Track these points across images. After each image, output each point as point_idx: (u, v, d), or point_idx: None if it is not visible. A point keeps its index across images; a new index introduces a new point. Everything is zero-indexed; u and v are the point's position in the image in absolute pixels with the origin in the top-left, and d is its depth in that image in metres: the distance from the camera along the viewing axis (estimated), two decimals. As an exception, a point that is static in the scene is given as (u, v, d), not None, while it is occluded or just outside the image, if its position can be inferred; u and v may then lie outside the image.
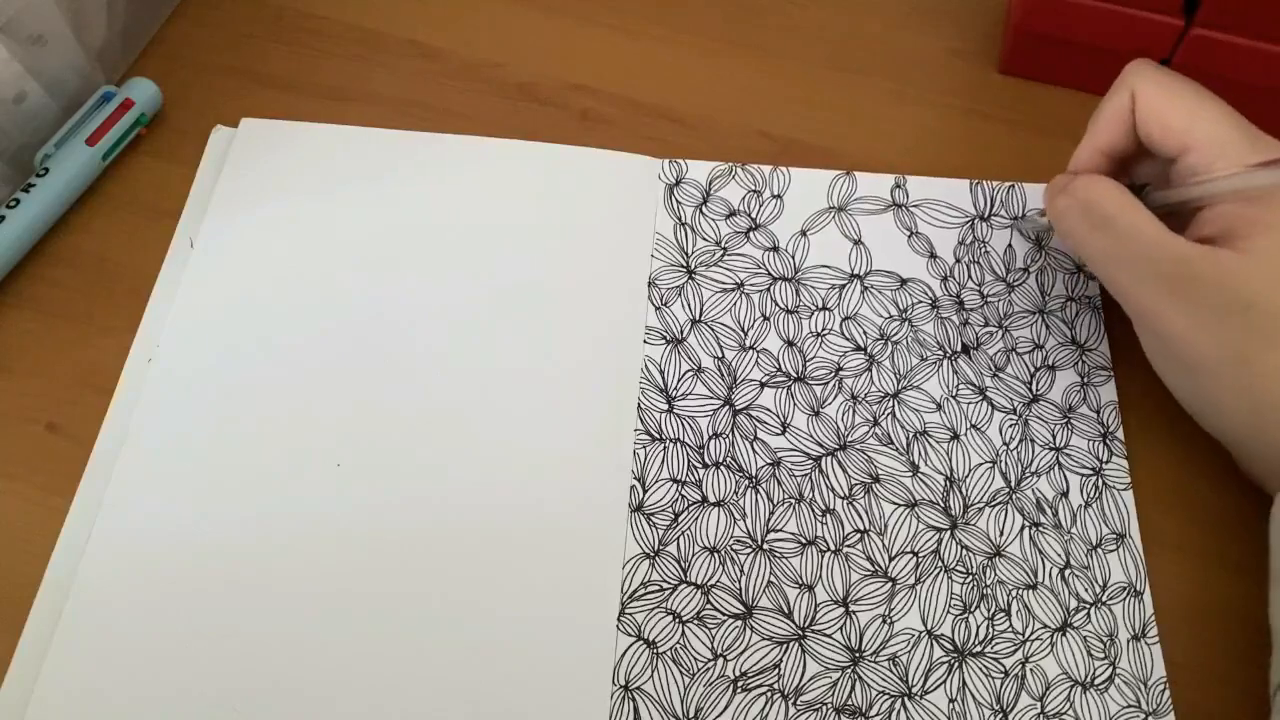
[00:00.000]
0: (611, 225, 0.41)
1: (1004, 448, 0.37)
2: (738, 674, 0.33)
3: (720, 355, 0.38)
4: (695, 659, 0.33)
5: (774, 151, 0.44)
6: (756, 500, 0.36)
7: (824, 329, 0.39)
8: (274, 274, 0.39)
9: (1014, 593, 0.35)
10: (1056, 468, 0.37)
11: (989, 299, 0.40)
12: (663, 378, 0.38)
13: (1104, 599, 0.34)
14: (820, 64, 0.46)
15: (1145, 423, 0.38)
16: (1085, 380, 0.38)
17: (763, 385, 0.38)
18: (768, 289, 0.40)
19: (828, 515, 0.36)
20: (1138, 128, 0.35)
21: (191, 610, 0.33)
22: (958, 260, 0.41)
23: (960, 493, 0.36)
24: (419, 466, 0.36)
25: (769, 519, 0.35)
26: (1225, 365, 0.32)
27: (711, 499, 0.36)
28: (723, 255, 0.41)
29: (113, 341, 0.38)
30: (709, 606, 0.34)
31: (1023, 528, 0.36)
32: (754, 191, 0.42)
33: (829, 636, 0.34)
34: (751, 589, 0.34)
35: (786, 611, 0.34)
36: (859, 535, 0.35)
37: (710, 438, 0.37)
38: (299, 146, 0.42)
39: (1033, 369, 0.39)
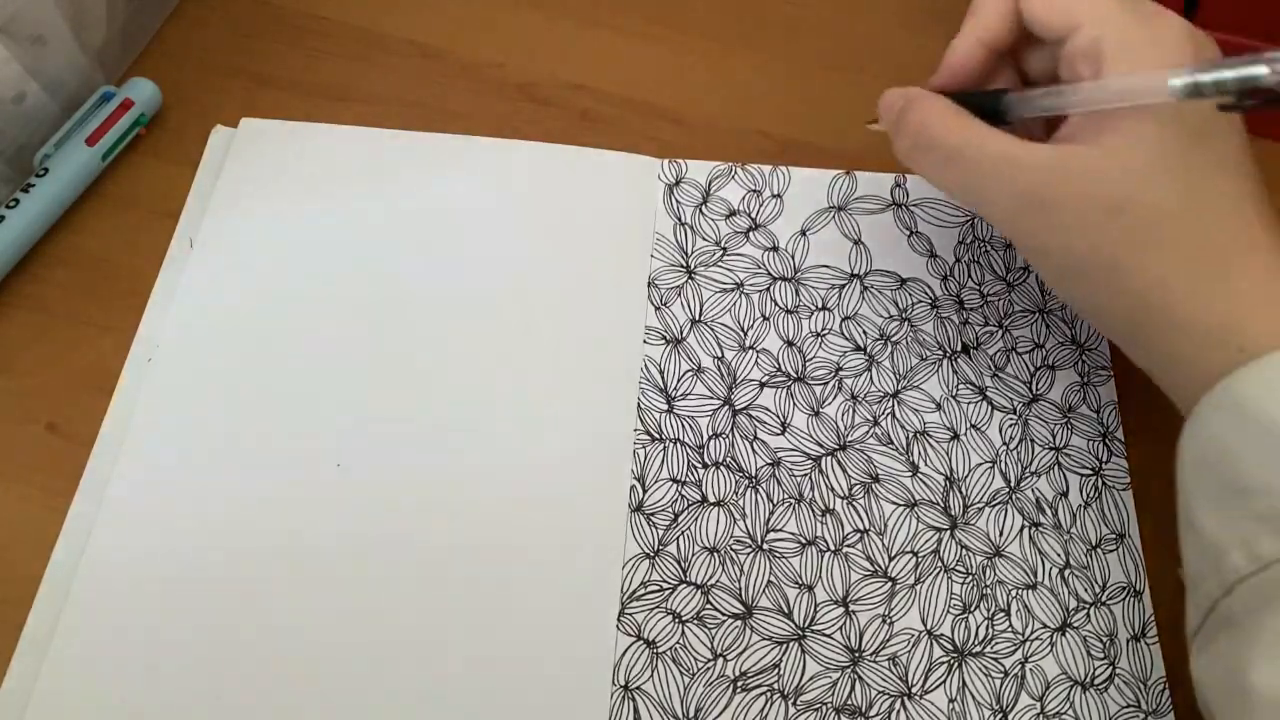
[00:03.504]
0: (611, 225, 0.41)
1: (1004, 448, 0.37)
2: (738, 674, 0.33)
3: (720, 355, 0.38)
4: (695, 659, 0.33)
5: (774, 151, 0.44)
6: (756, 500, 0.36)
7: (824, 329, 0.39)
8: (274, 274, 0.39)
9: (1014, 592, 0.35)
10: (1056, 468, 0.37)
11: (989, 298, 0.40)
12: (662, 378, 0.38)
13: (1104, 599, 0.35)
14: (820, 64, 0.46)
15: (1145, 423, 0.38)
16: (1085, 380, 0.38)
17: (762, 385, 0.38)
18: (767, 289, 0.40)
19: (828, 515, 0.36)
20: (1022, 9, 0.33)
21: (191, 610, 0.33)
22: (958, 259, 0.41)
23: (960, 492, 0.36)
24: (419, 466, 0.36)
25: (769, 519, 0.35)
26: (1098, 271, 0.31)
27: (711, 499, 0.36)
28: (722, 255, 0.41)
29: (113, 341, 0.38)
30: (709, 606, 0.34)
31: (1022, 528, 0.36)
32: (754, 191, 0.42)
33: (829, 636, 0.34)
34: (751, 589, 0.34)
35: (786, 611, 0.34)
36: (859, 535, 0.35)
37: (710, 438, 0.37)
38: (299, 146, 0.42)
39: (1033, 369, 0.39)
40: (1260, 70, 0.24)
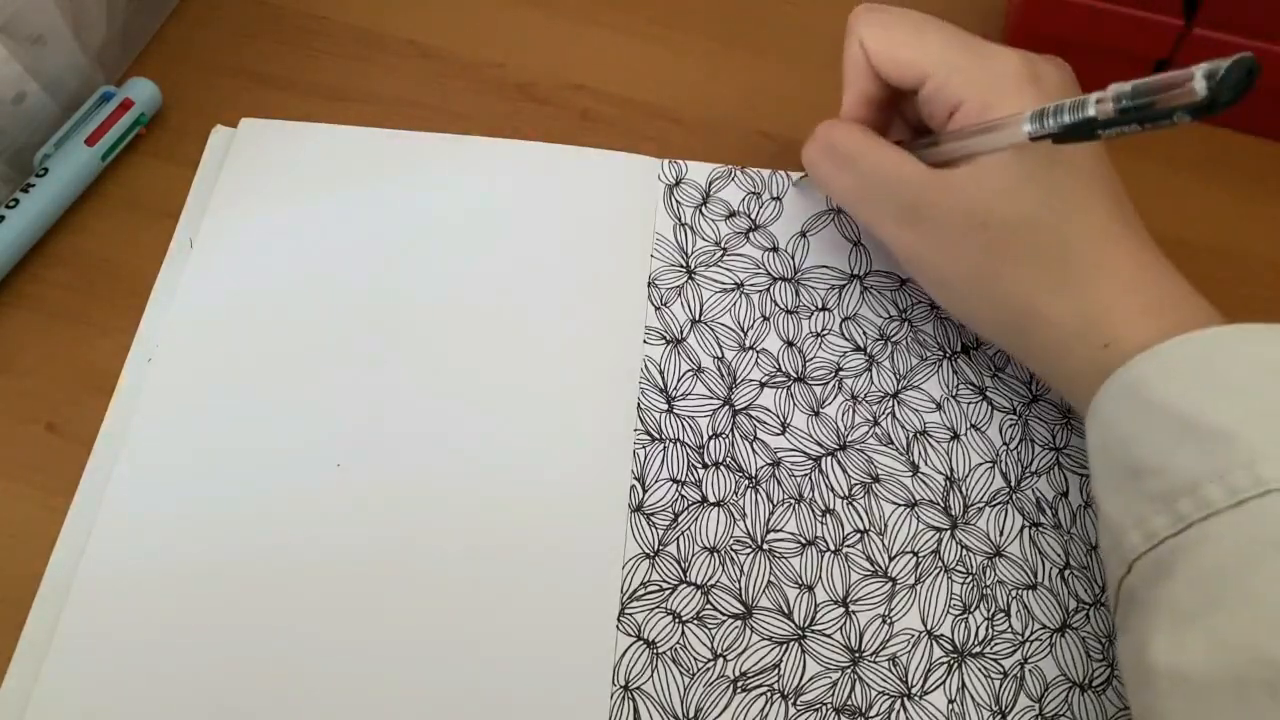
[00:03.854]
0: (611, 225, 0.41)
1: (1004, 448, 0.37)
2: (738, 674, 0.33)
3: (720, 355, 0.38)
4: (695, 659, 0.33)
5: (774, 152, 0.44)
6: (756, 500, 0.36)
7: (824, 329, 0.39)
8: (274, 274, 0.39)
9: (1014, 593, 0.35)
10: (1056, 468, 0.37)
11: (989, 299, 0.40)
12: (662, 378, 0.38)
13: (1103, 599, 0.34)
14: (820, 64, 0.46)
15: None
16: (1085, 380, 0.38)
17: (762, 385, 0.38)
18: (767, 289, 0.40)
19: (828, 515, 0.36)
20: (877, 71, 0.36)
21: (191, 610, 0.33)
22: (957, 260, 0.41)
23: (960, 492, 0.36)
24: (419, 466, 0.36)
25: (769, 519, 0.35)
26: (972, 282, 0.34)
27: (711, 499, 0.36)
28: (722, 255, 0.41)
29: (113, 341, 0.38)
30: (709, 606, 0.34)
31: (1022, 528, 0.36)
32: (753, 193, 0.42)
33: (829, 636, 0.34)
34: (751, 589, 0.34)
35: (786, 611, 0.34)
36: (859, 535, 0.35)
37: (710, 438, 0.37)
38: (299, 146, 0.42)
39: (1032, 369, 0.39)
40: (1090, 111, 0.28)
